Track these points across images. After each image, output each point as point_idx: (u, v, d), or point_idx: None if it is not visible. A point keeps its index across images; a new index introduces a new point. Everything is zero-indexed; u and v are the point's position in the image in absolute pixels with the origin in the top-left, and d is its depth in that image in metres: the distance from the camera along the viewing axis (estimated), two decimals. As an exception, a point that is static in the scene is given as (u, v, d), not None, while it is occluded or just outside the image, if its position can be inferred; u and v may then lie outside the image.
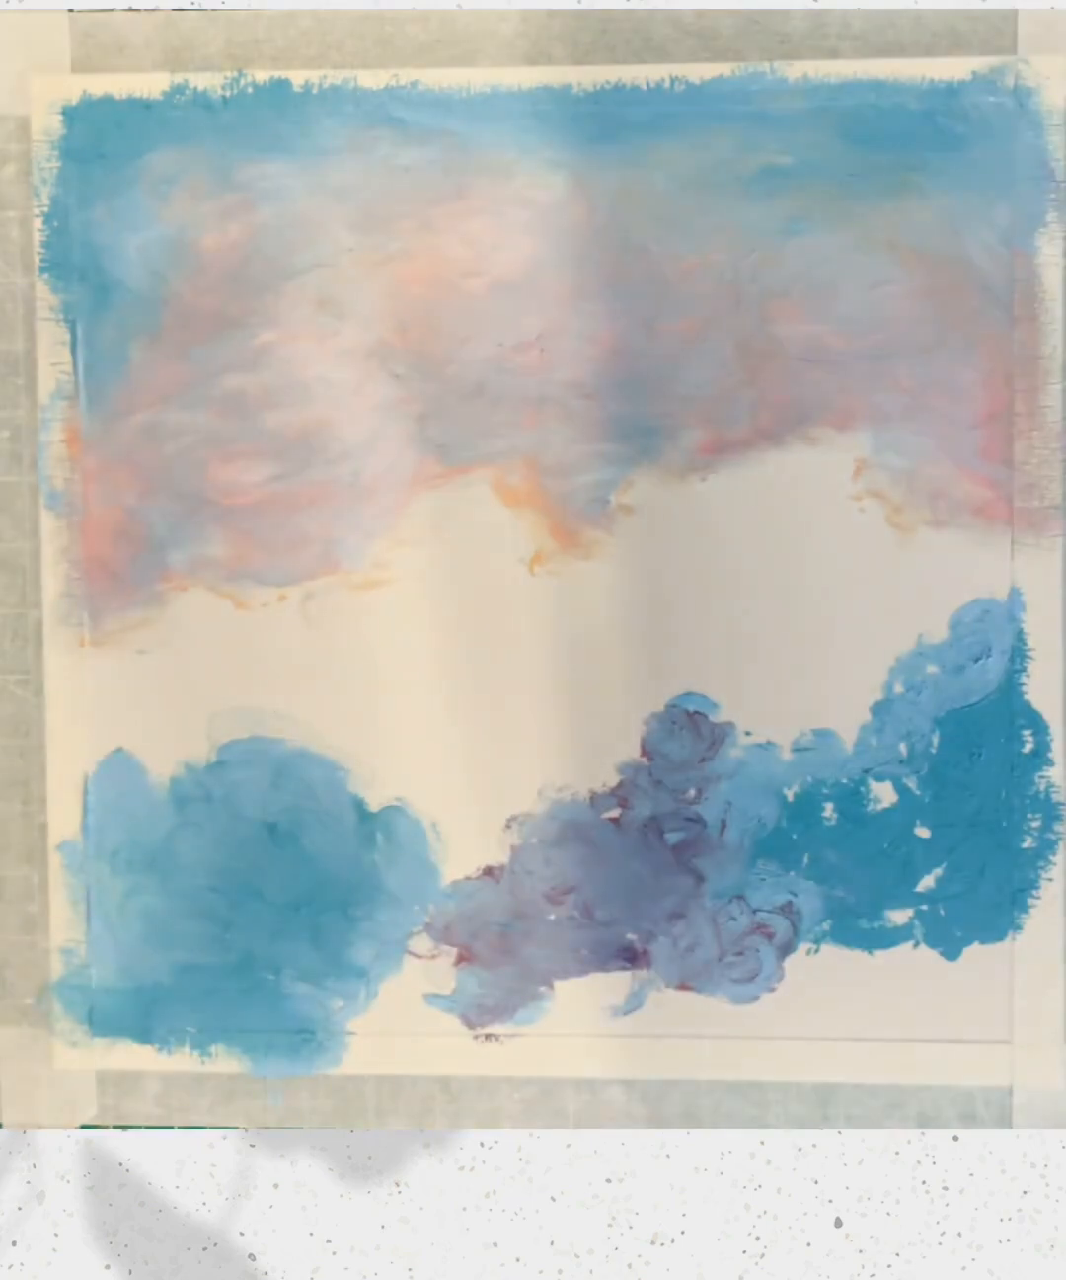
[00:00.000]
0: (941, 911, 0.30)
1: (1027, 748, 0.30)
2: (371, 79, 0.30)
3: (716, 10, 0.30)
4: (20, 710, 0.32)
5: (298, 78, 0.31)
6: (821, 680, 0.30)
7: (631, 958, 0.31)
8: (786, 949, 0.31)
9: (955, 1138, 0.29)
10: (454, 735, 0.31)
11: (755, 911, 0.31)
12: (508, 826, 0.31)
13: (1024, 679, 0.30)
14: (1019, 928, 0.30)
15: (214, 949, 0.31)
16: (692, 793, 0.31)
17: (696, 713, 0.31)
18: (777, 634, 0.30)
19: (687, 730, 0.31)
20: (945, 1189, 0.29)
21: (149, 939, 0.31)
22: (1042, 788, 0.30)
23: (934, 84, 0.30)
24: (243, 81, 0.31)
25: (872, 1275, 0.29)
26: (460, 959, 0.31)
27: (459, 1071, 0.31)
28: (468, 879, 0.31)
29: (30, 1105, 0.32)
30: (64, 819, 0.32)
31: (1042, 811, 0.30)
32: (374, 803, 0.31)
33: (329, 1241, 0.29)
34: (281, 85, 0.31)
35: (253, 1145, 0.30)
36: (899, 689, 0.30)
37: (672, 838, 0.31)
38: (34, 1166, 0.30)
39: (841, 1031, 0.30)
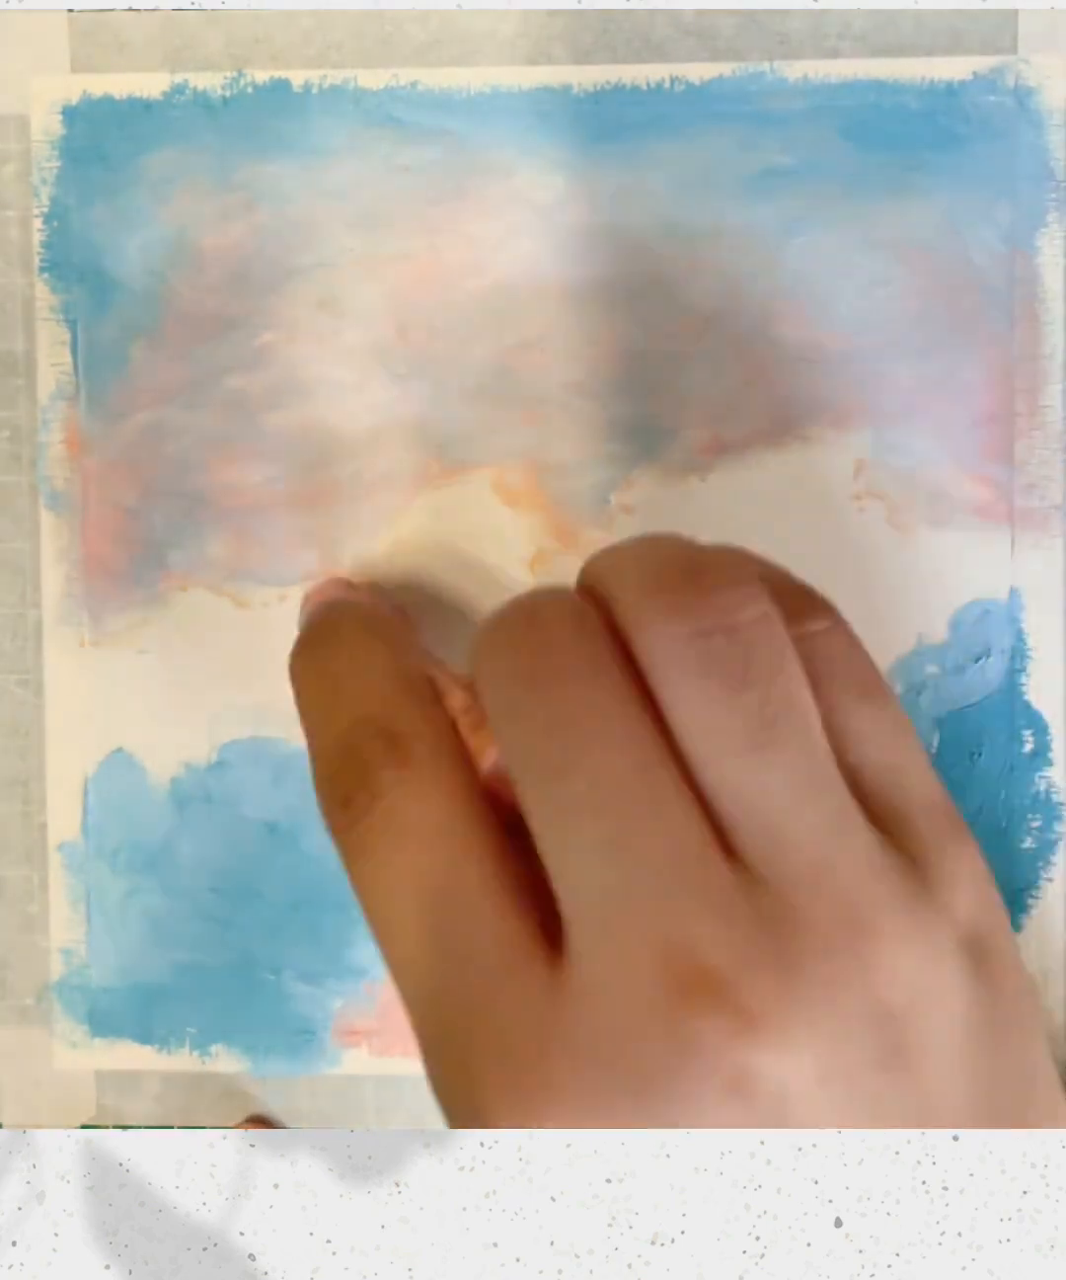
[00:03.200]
0: (941, 911, 0.30)
1: (1027, 748, 0.30)
2: (371, 79, 0.30)
3: (716, 10, 0.30)
4: (20, 710, 0.32)
5: (297, 78, 0.31)
6: (821, 680, 0.30)
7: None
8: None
9: (955, 1138, 0.29)
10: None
11: (755, 911, 0.31)
12: (508, 826, 0.31)
13: (1024, 679, 0.30)
14: (1019, 928, 0.30)
15: (214, 949, 0.31)
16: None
17: (696, 713, 0.31)
18: (777, 634, 0.30)
19: (687, 730, 0.31)
20: (945, 1189, 0.29)
21: (149, 939, 0.31)
22: (1042, 788, 0.30)
23: (934, 84, 0.30)
24: (243, 81, 0.31)
25: (872, 1275, 0.29)
26: (460, 959, 0.31)
27: (459, 1071, 0.31)
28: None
29: (30, 1105, 0.32)
30: (64, 819, 0.32)
31: (1042, 811, 0.30)
32: (374, 803, 0.31)
33: (329, 1241, 0.29)
34: (281, 85, 0.31)
35: (253, 1145, 0.30)
36: (899, 689, 0.30)
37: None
38: (34, 1166, 0.30)
39: (841, 1031, 0.30)
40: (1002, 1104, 0.19)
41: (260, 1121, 0.32)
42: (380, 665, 0.24)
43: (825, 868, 0.19)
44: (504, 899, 0.20)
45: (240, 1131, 0.30)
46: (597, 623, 0.21)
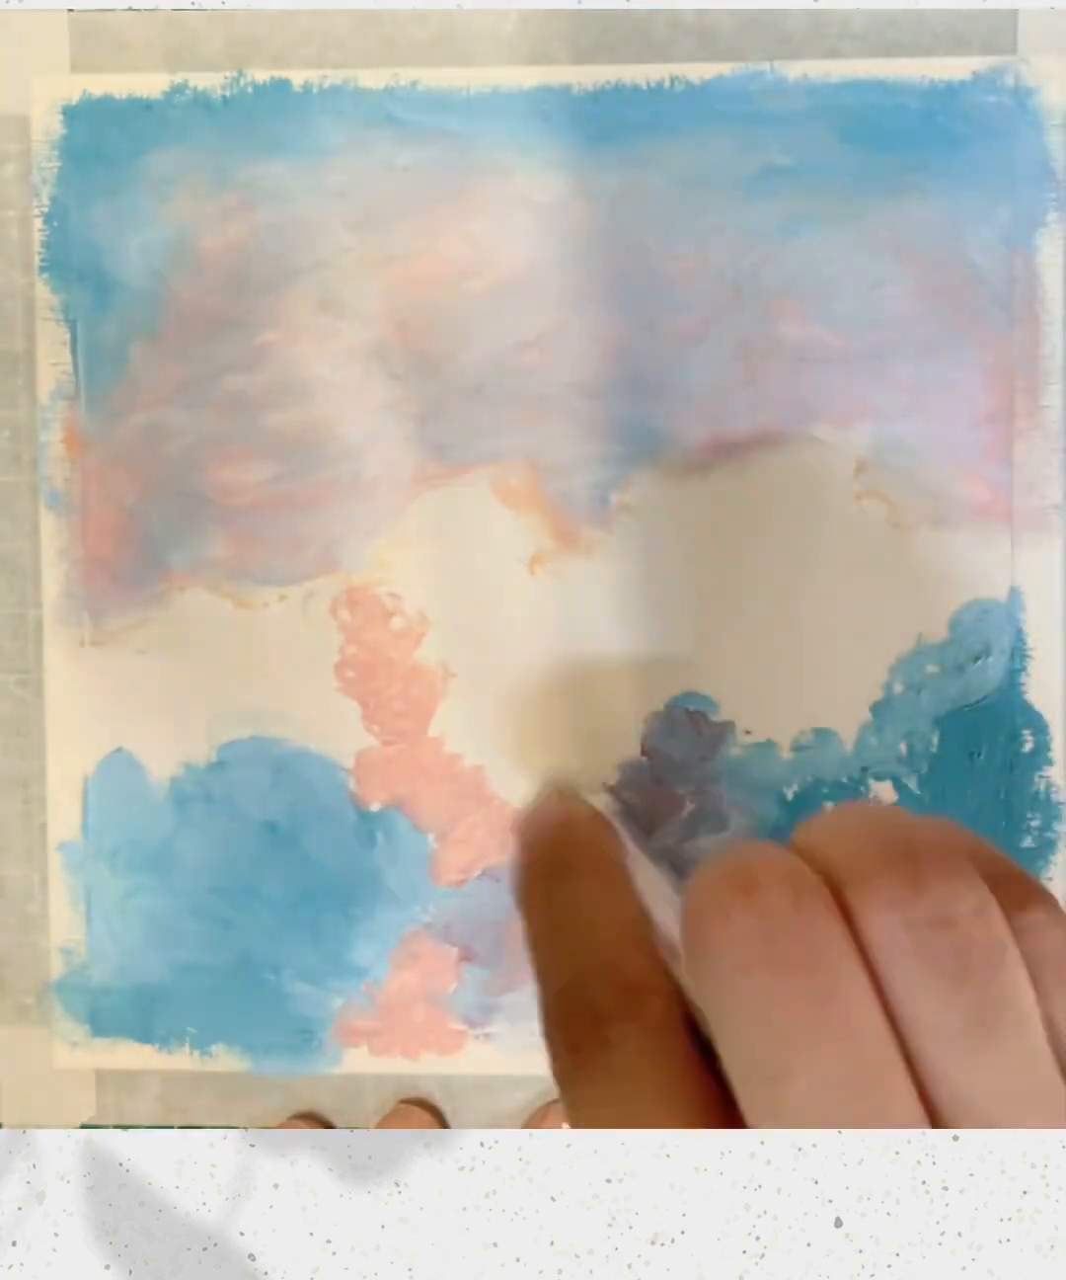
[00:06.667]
0: (941, 911, 0.30)
1: (1027, 748, 0.30)
2: (371, 79, 0.30)
3: (716, 10, 0.30)
4: (20, 710, 0.32)
5: (298, 78, 0.31)
6: (821, 680, 0.30)
7: (631, 958, 0.31)
8: (786, 949, 0.31)
9: (955, 1138, 0.29)
10: (454, 735, 0.31)
11: (755, 911, 0.31)
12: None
13: (1024, 679, 0.30)
14: (1019, 928, 0.30)
15: (214, 949, 0.31)
16: (692, 792, 0.31)
17: (696, 712, 0.31)
18: (777, 634, 0.30)
19: (688, 730, 0.31)
20: (945, 1189, 0.29)
21: (149, 939, 0.31)
22: (1042, 788, 0.30)
23: (934, 84, 0.30)
24: (243, 81, 0.31)
25: (872, 1275, 0.29)
26: (460, 959, 0.31)
27: (459, 1071, 0.31)
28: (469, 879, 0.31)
29: (30, 1105, 0.32)
30: (64, 819, 0.32)
31: (1042, 811, 0.30)
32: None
33: (329, 1241, 0.29)
34: (281, 85, 0.31)
35: (253, 1145, 0.30)
36: (899, 689, 0.30)
37: (672, 837, 0.31)
38: (34, 1166, 0.30)
39: (841, 1031, 0.30)
40: None
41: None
42: (614, 908, 0.24)
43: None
44: None
45: (240, 1131, 0.30)
46: (820, 895, 0.21)
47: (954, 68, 0.30)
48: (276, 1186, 0.30)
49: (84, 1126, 0.32)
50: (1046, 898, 0.23)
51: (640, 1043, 0.21)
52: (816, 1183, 0.29)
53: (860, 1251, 0.29)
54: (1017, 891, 0.23)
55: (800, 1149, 0.29)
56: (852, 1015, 0.20)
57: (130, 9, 0.31)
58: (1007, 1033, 0.20)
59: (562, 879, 0.25)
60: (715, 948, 0.21)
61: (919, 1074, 0.20)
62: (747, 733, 0.31)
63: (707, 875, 0.22)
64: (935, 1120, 0.19)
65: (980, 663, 0.30)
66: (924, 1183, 0.29)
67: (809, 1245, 0.29)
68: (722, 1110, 0.21)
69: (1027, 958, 0.21)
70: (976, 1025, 0.20)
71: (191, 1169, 0.30)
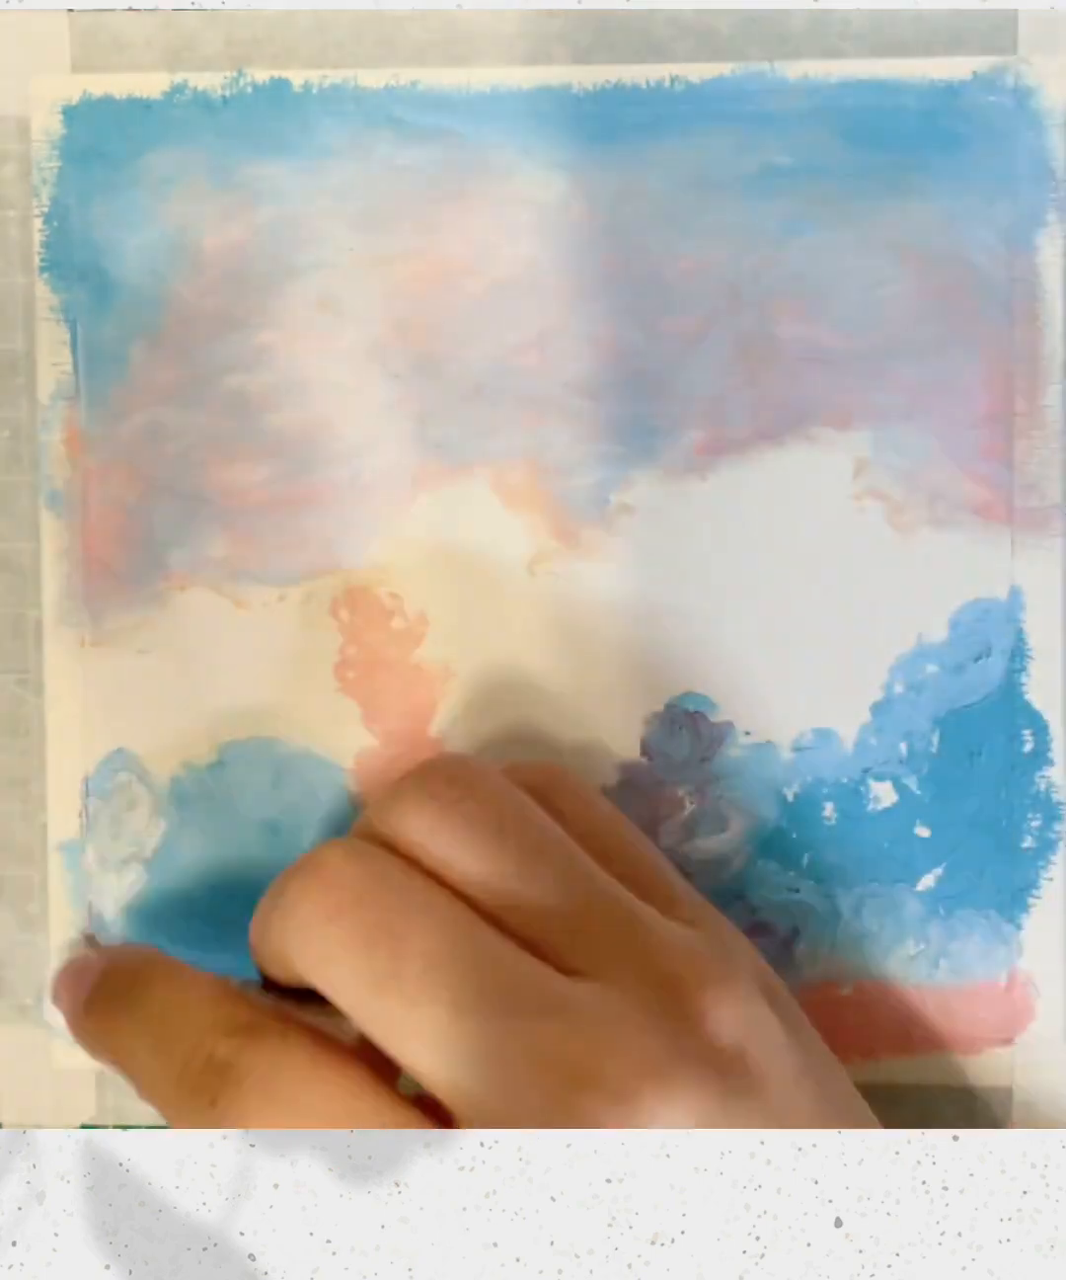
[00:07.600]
0: (941, 911, 0.30)
1: (1027, 748, 0.30)
2: (371, 79, 0.30)
3: (716, 10, 0.30)
4: (20, 710, 0.32)
5: (297, 78, 0.31)
6: (821, 680, 0.30)
7: (631, 958, 0.31)
8: (786, 949, 0.31)
9: (955, 1138, 0.29)
10: (454, 735, 0.31)
11: (755, 910, 0.31)
12: (508, 826, 0.31)
13: (1024, 679, 0.30)
14: (1019, 927, 0.30)
15: (214, 949, 0.31)
16: (692, 792, 0.31)
17: (696, 713, 0.31)
18: (777, 634, 0.30)
19: (687, 730, 0.31)
20: (945, 1189, 0.29)
21: (148, 939, 0.31)
22: (1042, 788, 0.30)
23: (934, 84, 0.30)
24: (242, 81, 0.31)
25: (872, 1275, 0.29)
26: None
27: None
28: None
29: (30, 1105, 0.32)
30: (64, 819, 0.32)
31: (1042, 811, 0.30)
32: (374, 803, 0.31)
33: (329, 1241, 0.29)
34: (281, 85, 0.31)
35: (253, 1145, 0.30)
36: (899, 689, 0.30)
37: (672, 837, 0.31)
38: (34, 1166, 0.30)
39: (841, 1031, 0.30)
40: (834, 1104, 0.24)
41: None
42: (190, 988, 0.26)
43: (636, 954, 0.22)
44: (401, 1113, 0.23)
45: (240, 1131, 0.30)
46: (373, 847, 0.24)
47: (954, 68, 0.30)
48: (276, 1186, 0.30)
49: (84, 1126, 0.32)
50: (557, 769, 0.28)
51: (267, 1060, 0.23)
52: (816, 1183, 0.29)
53: (860, 1251, 0.29)
54: (529, 771, 0.27)
55: (800, 1149, 0.29)
56: (432, 905, 0.23)
57: (130, 9, 0.31)
58: (557, 858, 0.24)
59: (127, 996, 0.27)
60: (300, 924, 0.24)
61: (514, 928, 0.23)
62: (747, 733, 0.31)
63: (273, 892, 0.25)
64: (544, 955, 0.22)
65: (980, 663, 0.30)
66: (924, 1183, 0.29)
67: (809, 1245, 0.29)
68: (375, 1088, 0.23)
69: (576, 839, 0.25)
70: (528, 859, 0.23)
71: (191, 1169, 0.30)
